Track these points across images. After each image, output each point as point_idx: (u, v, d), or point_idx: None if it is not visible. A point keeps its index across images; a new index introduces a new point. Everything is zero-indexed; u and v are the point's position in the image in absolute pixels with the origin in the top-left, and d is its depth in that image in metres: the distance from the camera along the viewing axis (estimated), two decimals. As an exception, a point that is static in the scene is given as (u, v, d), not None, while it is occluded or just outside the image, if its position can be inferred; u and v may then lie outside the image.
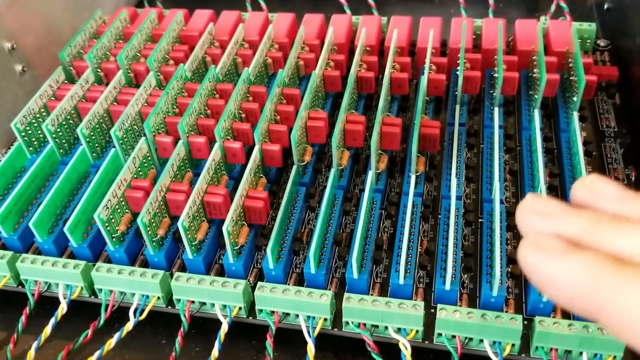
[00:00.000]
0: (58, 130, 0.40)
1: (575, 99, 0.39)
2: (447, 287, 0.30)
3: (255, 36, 0.48)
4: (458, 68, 0.41)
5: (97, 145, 0.40)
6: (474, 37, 0.48)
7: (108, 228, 0.33)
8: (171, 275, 0.32)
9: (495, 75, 0.42)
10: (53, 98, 0.43)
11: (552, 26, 0.46)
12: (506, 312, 0.30)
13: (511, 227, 0.34)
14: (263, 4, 0.56)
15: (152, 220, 0.33)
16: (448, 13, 0.57)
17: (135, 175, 0.35)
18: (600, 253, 0.17)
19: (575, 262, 0.17)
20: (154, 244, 0.33)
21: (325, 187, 0.36)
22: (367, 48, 0.46)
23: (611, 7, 0.51)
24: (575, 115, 0.38)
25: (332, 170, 0.36)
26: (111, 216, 0.33)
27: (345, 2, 0.54)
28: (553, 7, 0.52)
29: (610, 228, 0.18)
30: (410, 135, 0.38)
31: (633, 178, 0.37)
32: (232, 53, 0.45)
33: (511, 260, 0.31)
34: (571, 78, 0.40)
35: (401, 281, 0.30)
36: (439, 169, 0.38)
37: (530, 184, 0.36)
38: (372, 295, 0.31)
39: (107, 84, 0.44)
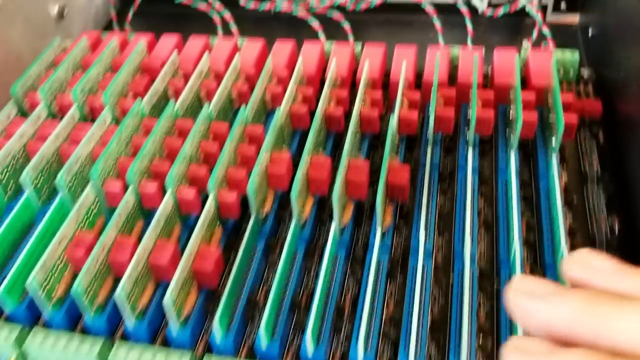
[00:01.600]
0: (5, 171, 0.38)
1: (554, 139, 0.36)
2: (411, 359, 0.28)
3: (222, 66, 0.45)
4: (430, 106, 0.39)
5: (45, 189, 0.37)
6: (451, 67, 0.46)
7: (44, 292, 0.30)
8: (112, 343, 0.30)
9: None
10: (2, 135, 0.40)
11: (532, 57, 0.43)
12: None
13: (483, 288, 0.31)
14: (234, 28, 0.53)
15: (93, 282, 0.30)
16: (427, 38, 0.55)
17: (80, 227, 0.33)
18: (591, 352, 0.16)
19: None
20: (94, 308, 0.31)
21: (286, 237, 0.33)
22: (338, 80, 0.44)
23: (596, 35, 0.49)
24: (554, 159, 0.35)
25: (293, 222, 0.33)
26: (49, 277, 0.30)
27: (320, 27, 0.52)
28: (535, 33, 0.49)
29: (609, 306, 0.16)
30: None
31: (617, 230, 0.35)
32: (195, 85, 0.42)
33: (482, 330, 0.29)
34: (550, 121, 0.38)
35: (360, 356, 0.28)
36: (410, 217, 0.36)
37: (506, 237, 0.33)
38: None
39: (62, 119, 0.41)
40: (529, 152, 0.40)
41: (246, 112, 0.39)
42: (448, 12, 0.51)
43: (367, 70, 0.42)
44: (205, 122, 0.38)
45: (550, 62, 0.41)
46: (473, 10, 0.52)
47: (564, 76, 0.45)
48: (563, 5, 0.55)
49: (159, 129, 0.37)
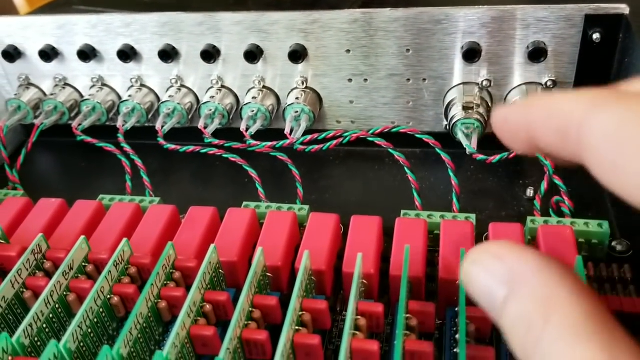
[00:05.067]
0: None
1: None
2: None
3: (104, 253, 0.32)
4: (395, 334, 0.25)
5: None
6: (431, 236, 0.33)
7: None
8: None
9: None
10: None
11: (544, 237, 0.30)
12: None
13: None
14: (146, 180, 0.40)
15: None
16: (402, 178, 0.42)
17: None
18: None
19: None
20: None
21: None
22: (269, 274, 0.31)
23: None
24: None
25: None
26: None
27: (258, 179, 0.39)
28: (545, 185, 0.37)
29: None
30: None
31: None
32: (60, 287, 0.29)
33: None
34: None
35: None
36: None
37: None
38: None
39: None
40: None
41: (117, 346, 0.25)
42: (428, 144, 0.39)
43: (307, 264, 0.29)
44: (51, 367, 0.25)
45: (571, 244, 0.29)
46: (459, 144, 0.40)
47: (592, 252, 0.32)
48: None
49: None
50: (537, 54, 0.39)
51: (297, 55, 0.43)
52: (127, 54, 0.45)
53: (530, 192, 0.40)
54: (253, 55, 0.44)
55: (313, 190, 0.43)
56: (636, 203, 0.16)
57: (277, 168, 0.42)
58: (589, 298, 0.17)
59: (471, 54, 0.40)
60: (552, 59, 0.40)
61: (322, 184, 0.44)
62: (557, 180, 0.36)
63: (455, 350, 0.25)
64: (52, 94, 0.48)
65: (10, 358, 0.26)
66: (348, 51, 0.42)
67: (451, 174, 0.36)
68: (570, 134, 0.18)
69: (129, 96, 0.46)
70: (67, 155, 0.50)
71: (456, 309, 0.27)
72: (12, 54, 0.47)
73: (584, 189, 0.37)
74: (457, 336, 0.25)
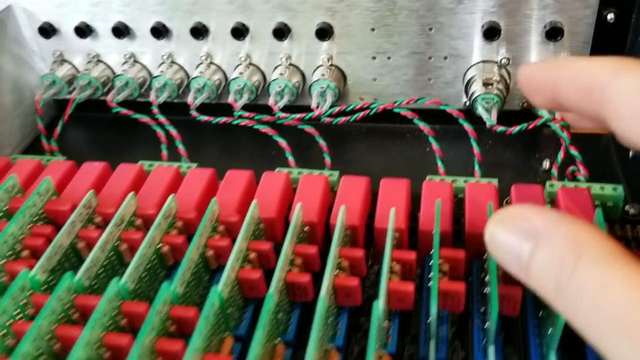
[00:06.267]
0: None
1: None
2: None
3: (151, 209, 0.34)
4: (431, 274, 0.28)
5: None
6: (455, 199, 0.36)
7: None
8: None
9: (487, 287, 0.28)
10: None
11: (563, 198, 0.33)
12: None
13: None
14: (181, 148, 0.43)
15: None
16: (423, 152, 0.45)
17: None
18: None
19: None
20: None
21: None
22: (306, 228, 0.33)
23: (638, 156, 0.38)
24: None
25: None
26: None
27: (288, 148, 0.41)
28: (561, 155, 0.39)
29: None
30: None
31: None
32: (111, 239, 0.31)
33: None
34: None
35: None
36: None
37: None
38: None
39: None
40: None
41: (173, 285, 0.27)
42: (447, 121, 0.42)
43: (343, 218, 0.31)
44: (113, 303, 0.27)
45: (589, 204, 0.31)
46: (479, 119, 0.42)
47: (607, 215, 0.34)
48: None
49: (49, 313, 0.26)
50: (553, 34, 0.42)
51: (324, 33, 0.45)
52: (159, 31, 0.47)
53: (546, 164, 0.42)
54: (281, 32, 0.46)
55: (338, 163, 0.44)
56: None
57: (302, 143, 0.43)
58: (614, 240, 0.19)
59: (491, 33, 0.42)
60: (568, 39, 0.42)
61: (347, 157, 0.46)
62: (573, 151, 0.38)
63: (485, 290, 0.27)
64: (85, 70, 0.50)
65: (73, 296, 0.28)
66: (373, 29, 0.44)
67: (473, 143, 0.38)
68: (594, 93, 0.21)
69: (161, 72, 0.48)
70: (100, 129, 0.52)
71: (484, 257, 0.29)
72: (48, 30, 0.49)
73: (597, 161, 0.39)
74: (486, 279, 0.27)
